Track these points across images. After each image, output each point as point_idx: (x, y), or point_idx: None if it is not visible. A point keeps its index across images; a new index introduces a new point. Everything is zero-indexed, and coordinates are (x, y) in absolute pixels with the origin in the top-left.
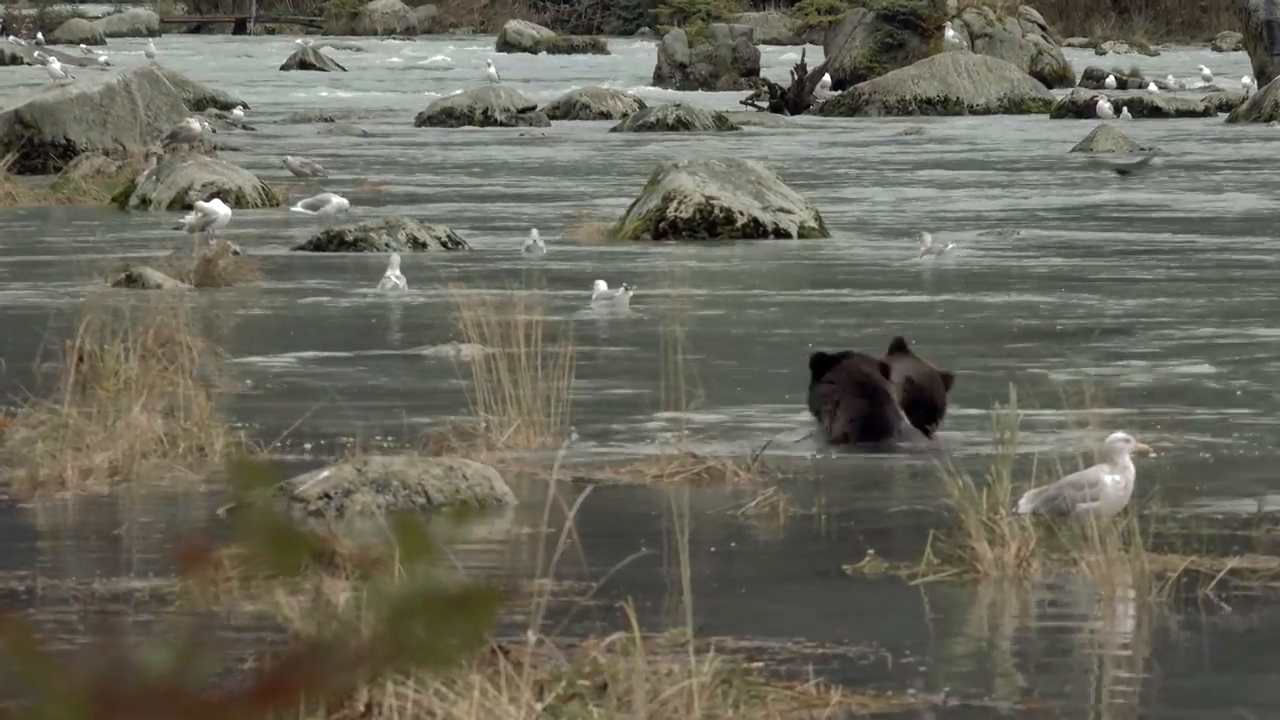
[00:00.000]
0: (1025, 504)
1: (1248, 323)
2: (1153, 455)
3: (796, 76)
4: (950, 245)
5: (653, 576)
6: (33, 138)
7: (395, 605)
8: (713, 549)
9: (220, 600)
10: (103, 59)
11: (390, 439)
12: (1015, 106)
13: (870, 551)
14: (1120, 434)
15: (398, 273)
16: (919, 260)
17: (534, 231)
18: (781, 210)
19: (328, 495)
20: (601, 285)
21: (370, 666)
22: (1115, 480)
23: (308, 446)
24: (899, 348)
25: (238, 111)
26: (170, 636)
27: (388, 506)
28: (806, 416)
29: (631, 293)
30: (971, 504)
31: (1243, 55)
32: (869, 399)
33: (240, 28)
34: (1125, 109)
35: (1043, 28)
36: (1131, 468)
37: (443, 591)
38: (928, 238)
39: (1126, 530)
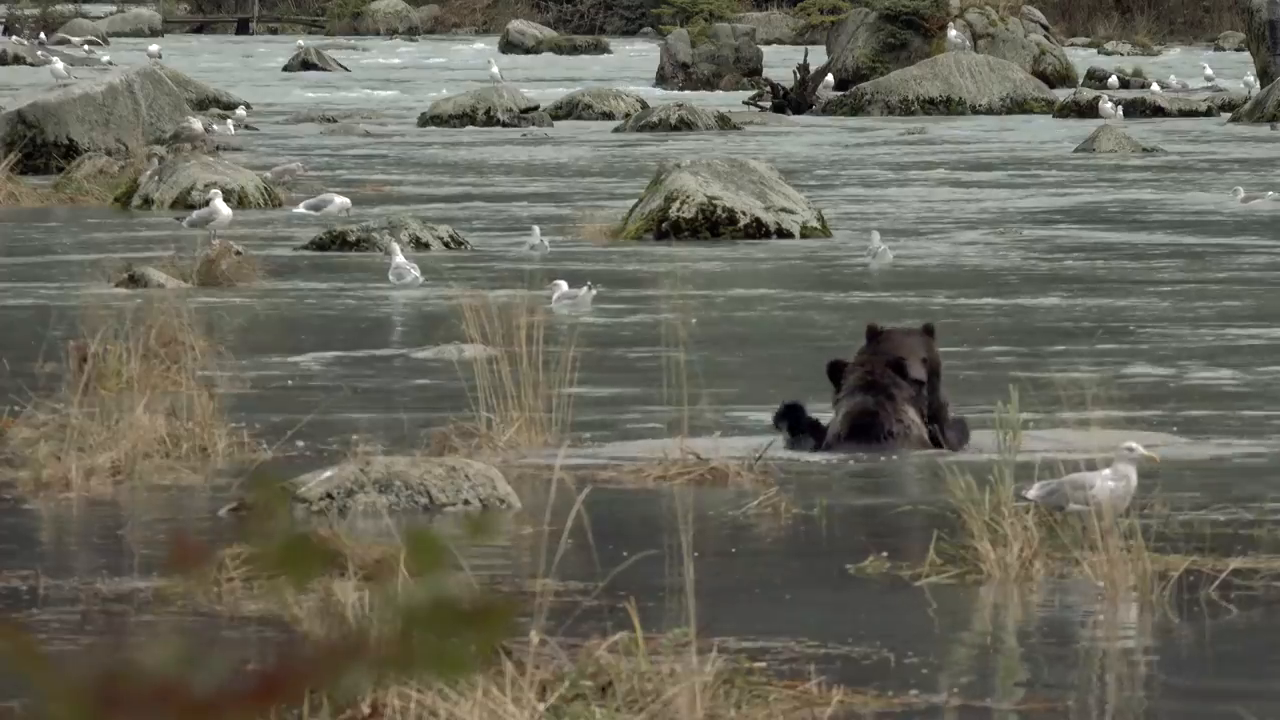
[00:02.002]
0: (1035, 491)
1: (1249, 323)
2: (1157, 460)
3: (799, 76)
4: (883, 247)
5: (656, 577)
6: (35, 138)
7: (408, 615)
8: (715, 549)
9: (223, 600)
10: (105, 59)
11: (392, 440)
12: (1018, 106)
13: (879, 552)
14: (1129, 443)
15: (400, 259)
16: (867, 260)
17: (536, 229)
18: (784, 210)
19: (330, 495)
20: (563, 285)
21: (383, 673)
22: (1111, 487)
23: (301, 445)
24: (874, 337)
25: (240, 111)
26: (173, 636)
27: (390, 507)
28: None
29: (594, 292)
30: (974, 504)
31: (1245, 55)
32: (870, 398)
33: (243, 28)
34: (1120, 107)
35: (1045, 27)
36: (1133, 477)
37: (456, 603)
38: (875, 237)
39: (1128, 530)
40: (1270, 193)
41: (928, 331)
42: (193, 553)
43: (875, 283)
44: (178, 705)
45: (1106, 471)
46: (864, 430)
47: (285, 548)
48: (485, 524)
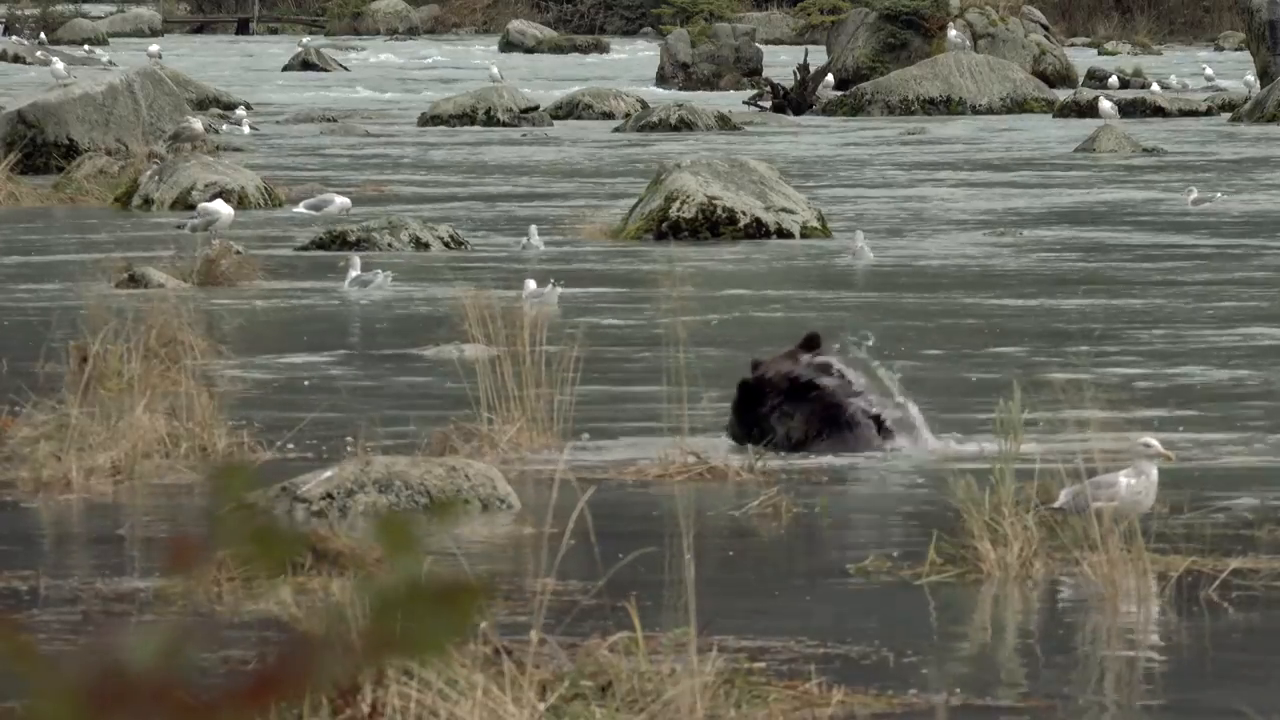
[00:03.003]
0: (1061, 499)
1: (1249, 323)
2: (1172, 459)
3: (799, 76)
4: (862, 245)
5: (656, 576)
6: (35, 138)
7: (381, 598)
8: (715, 549)
9: (222, 600)
10: (106, 59)
11: (393, 439)
12: (1018, 106)
13: (879, 552)
14: (1144, 438)
15: (356, 272)
16: (849, 260)
17: (533, 229)
18: (784, 210)
19: (330, 495)
20: (531, 284)
21: (359, 659)
22: (1132, 484)
23: (292, 446)
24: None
25: (240, 111)
26: (159, 632)
27: (390, 507)
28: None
29: (559, 290)
30: (974, 504)
31: (1245, 55)
32: (818, 395)
33: (243, 28)
34: (1117, 107)
35: (1045, 27)
36: (1153, 473)
37: (428, 584)
38: (859, 236)
39: (1129, 530)
40: (1218, 194)
41: (807, 345)
42: (190, 552)
43: (876, 283)
44: (158, 702)
45: (1127, 470)
46: (833, 421)
47: (254, 534)
48: (448, 510)
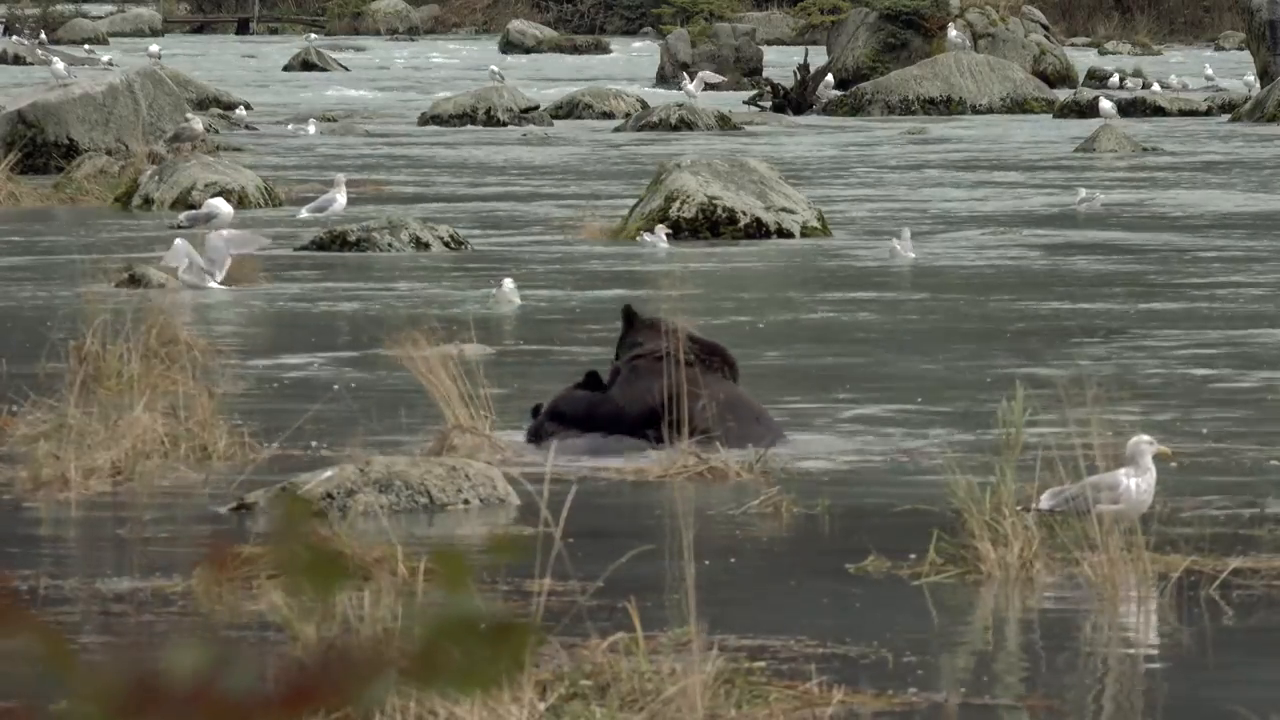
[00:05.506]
0: (1046, 501)
1: (1248, 323)
2: (1174, 464)
3: (799, 76)
4: (896, 244)
5: (656, 576)
6: (35, 137)
7: (435, 631)
8: (716, 549)
9: (222, 600)
10: (105, 59)
11: (391, 439)
12: (1018, 106)
13: (879, 552)
14: (1144, 436)
15: (184, 264)
16: (886, 257)
17: (659, 229)
18: (784, 210)
19: (330, 495)
20: (508, 283)
21: (408, 685)
22: (1137, 483)
23: (290, 445)
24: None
25: (240, 111)
26: (198, 641)
27: (390, 507)
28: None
29: (498, 291)
30: (975, 504)
31: (1245, 55)
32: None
33: (243, 28)
34: (1108, 100)
35: (1045, 27)
36: (1153, 470)
37: (483, 622)
38: (905, 233)
39: (1129, 530)
40: (1097, 194)
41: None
42: (224, 556)
43: (876, 282)
44: (207, 709)
45: (1127, 468)
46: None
47: (312, 562)
48: (510, 543)
